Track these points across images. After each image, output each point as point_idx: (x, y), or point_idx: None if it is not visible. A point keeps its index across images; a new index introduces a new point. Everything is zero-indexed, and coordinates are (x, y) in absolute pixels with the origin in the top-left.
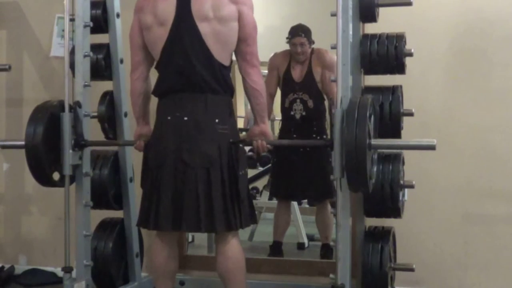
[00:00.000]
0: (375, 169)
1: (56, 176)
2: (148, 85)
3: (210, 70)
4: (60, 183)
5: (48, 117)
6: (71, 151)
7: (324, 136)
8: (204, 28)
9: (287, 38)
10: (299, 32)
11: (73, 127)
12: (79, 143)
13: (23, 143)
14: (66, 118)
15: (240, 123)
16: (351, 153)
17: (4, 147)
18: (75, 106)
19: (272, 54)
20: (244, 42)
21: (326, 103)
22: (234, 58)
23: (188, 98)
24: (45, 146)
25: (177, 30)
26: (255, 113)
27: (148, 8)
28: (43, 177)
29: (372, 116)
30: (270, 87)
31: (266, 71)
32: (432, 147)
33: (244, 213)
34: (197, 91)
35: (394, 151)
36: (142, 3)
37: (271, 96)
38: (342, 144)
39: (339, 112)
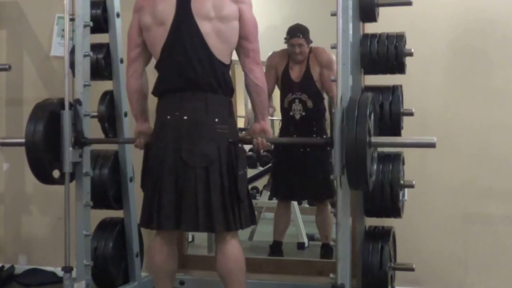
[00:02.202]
0: (375, 167)
1: (56, 174)
2: (144, 82)
3: (210, 69)
4: (60, 181)
5: (48, 115)
6: (71, 148)
7: (324, 136)
8: (205, 27)
9: (285, 38)
10: (297, 33)
11: (73, 125)
12: (79, 141)
13: (23, 140)
14: (66, 115)
15: (241, 123)
16: (351, 151)
17: (4, 144)
18: (75, 104)
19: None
20: (246, 40)
21: (326, 102)
22: (233, 58)
23: (188, 97)
24: (45, 144)
25: (177, 29)
26: (256, 110)
27: (148, 8)
28: (43, 175)
29: (372, 114)
30: (268, 86)
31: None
32: (432, 145)
33: (244, 214)
34: (197, 90)
35: (394, 151)
36: (141, 2)
37: (268, 95)
38: (342, 142)
39: (339, 110)
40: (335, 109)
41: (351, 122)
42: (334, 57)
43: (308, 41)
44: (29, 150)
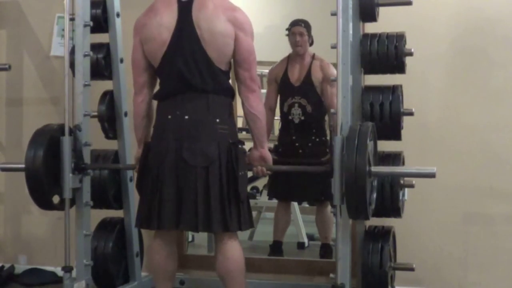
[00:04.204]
0: (374, 196)
1: (56, 199)
2: (151, 107)
3: (210, 74)
4: (60, 207)
5: (48, 141)
6: (71, 174)
7: (323, 138)
8: (201, 36)
9: (286, 29)
10: (299, 22)
11: (73, 151)
12: (79, 167)
13: (23, 166)
14: (66, 142)
15: (239, 123)
16: (351, 181)
17: (4, 170)
18: (75, 130)
19: (271, 53)
20: (240, 67)
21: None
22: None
23: (189, 98)
24: (45, 170)
25: (179, 36)
26: (254, 137)
27: (151, 22)
28: (42, 201)
29: (372, 143)
30: (270, 100)
31: (266, 71)
32: (432, 175)
33: (244, 215)
34: (198, 92)
35: (394, 150)
36: (143, 20)
37: (271, 110)
38: (342, 171)
39: (339, 139)
40: (334, 140)
41: (351, 152)
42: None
43: (310, 35)
44: (29, 176)
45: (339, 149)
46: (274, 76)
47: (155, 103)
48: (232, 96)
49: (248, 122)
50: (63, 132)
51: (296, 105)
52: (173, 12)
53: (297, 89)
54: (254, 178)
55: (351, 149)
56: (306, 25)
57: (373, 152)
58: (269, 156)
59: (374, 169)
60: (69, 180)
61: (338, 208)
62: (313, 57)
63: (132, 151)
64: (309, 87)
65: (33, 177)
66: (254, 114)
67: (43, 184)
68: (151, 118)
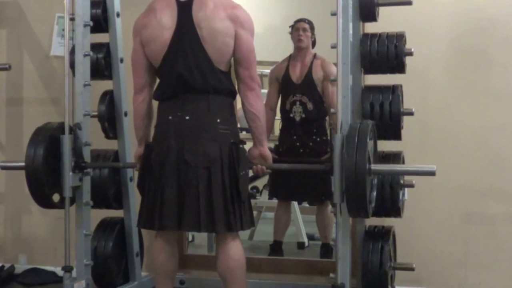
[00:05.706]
0: (374, 193)
1: (56, 197)
2: (151, 107)
3: (210, 76)
4: (60, 205)
5: (48, 139)
6: (71, 173)
7: (324, 138)
8: (202, 36)
9: (290, 26)
10: (303, 19)
11: (73, 149)
12: (80, 165)
13: (23, 164)
14: (66, 140)
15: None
16: (351, 179)
17: (4, 168)
18: (75, 128)
19: (272, 53)
20: (240, 65)
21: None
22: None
23: (190, 98)
24: (45, 168)
25: (179, 37)
26: (254, 136)
27: (151, 23)
28: (43, 199)
29: (372, 141)
30: (271, 100)
31: (266, 71)
32: (432, 173)
33: (245, 215)
34: (199, 93)
35: (394, 150)
36: (143, 21)
37: (272, 109)
38: (342, 169)
39: (339, 137)
40: (334, 138)
41: (351, 150)
42: None
43: (313, 33)
44: (29, 175)
45: (339, 147)
46: (275, 76)
47: (155, 103)
48: (234, 96)
49: (247, 121)
50: (63, 131)
51: (298, 102)
52: (173, 12)
53: (298, 86)
54: (254, 177)
55: (351, 147)
56: (310, 23)
57: (373, 150)
58: (269, 155)
59: (374, 167)
60: (69, 178)
61: (338, 206)
62: (315, 56)
63: (132, 151)
64: (310, 85)
65: (33, 176)
66: (253, 112)
67: (43, 183)
68: (151, 117)
